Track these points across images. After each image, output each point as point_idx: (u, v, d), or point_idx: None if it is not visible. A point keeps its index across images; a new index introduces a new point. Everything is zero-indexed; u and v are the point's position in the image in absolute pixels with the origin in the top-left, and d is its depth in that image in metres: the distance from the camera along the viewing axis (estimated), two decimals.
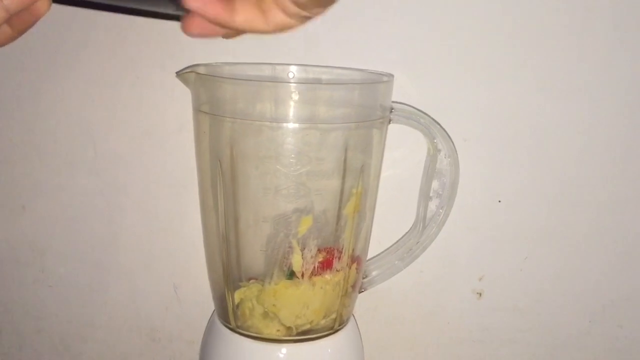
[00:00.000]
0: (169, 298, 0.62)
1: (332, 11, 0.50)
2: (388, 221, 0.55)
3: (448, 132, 0.51)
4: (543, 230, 0.57)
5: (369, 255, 0.53)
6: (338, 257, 0.46)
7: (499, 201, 0.57)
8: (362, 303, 0.59)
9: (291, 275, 0.45)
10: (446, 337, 0.61)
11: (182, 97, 0.51)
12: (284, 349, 0.46)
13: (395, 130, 0.51)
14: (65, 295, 0.62)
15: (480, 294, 0.59)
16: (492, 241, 0.58)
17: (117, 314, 0.63)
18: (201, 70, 0.46)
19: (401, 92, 0.52)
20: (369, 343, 0.59)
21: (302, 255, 0.45)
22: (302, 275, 0.45)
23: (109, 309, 0.63)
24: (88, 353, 0.64)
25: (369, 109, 0.46)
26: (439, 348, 0.61)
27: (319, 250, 0.45)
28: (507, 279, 0.59)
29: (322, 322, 0.47)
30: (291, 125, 0.43)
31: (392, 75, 0.48)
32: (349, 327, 0.50)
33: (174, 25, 0.53)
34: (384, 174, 0.53)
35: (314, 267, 0.45)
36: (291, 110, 0.43)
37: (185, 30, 0.34)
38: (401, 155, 0.55)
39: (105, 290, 0.62)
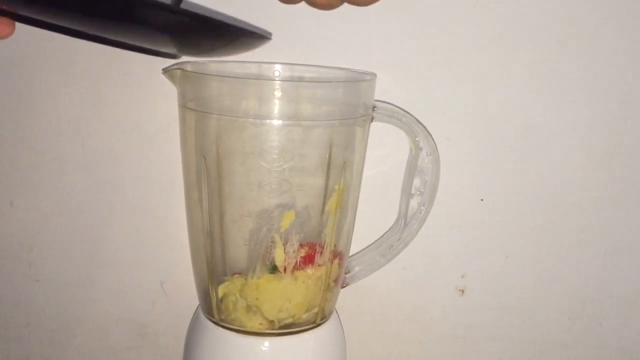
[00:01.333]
0: (156, 294, 0.62)
1: (319, 13, 0.52)
2: (372, 218, 0.56)
3: (432, 131, 0.52)
4: (525, 228, 0.58)
5: (352, 252, 0.54)
6: (320, 252, 0.47)
7: (482, 200, 0.58)
8: (345, 299, 0.59)
9: (274, 269, 0.46)
10: (429, 333, 0.62)
11: (171, 94, 0.52)
12: (266, 343, 0.47)
13: (379, 129, 0.52)
14: (53, 290, 0.63)
15: (463, 291, 0.60)
16: (475, 239, 0.59)
17: (105, 309, 0.63)
18: (188, 67, 0.47)
19: (385, 91, 0.53)
20: (352, 339, 0.60)
21: (285, 249, 0.46)
22: (285, 270, 0.46)
23: (96, 304, 0.63)
24: (75, 347, 0.65)
25: (352, 107, 0.47)
26: (423, 345, 0.62)
27: (301, 245, 0.46)
28: (489, 276, 0.60)
29: (305, 316, 0.48)
30: (275, 122, 0.44)
31: (374, 74, 0.49)
32: (331, 321, 0.51)
33: None
34: (368, 171, 0.53)
35: (296, 261, 0.46)
36: (275, 107, 0.44)
37: None
38: (385, 154, 0.55)
39: (93, 286, 0.63)
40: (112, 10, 0.35)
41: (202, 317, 0.50)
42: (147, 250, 0.61)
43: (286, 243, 0.46)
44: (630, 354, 0.61)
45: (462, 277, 0.60)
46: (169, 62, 0.51)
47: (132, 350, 0.64)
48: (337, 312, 0.53)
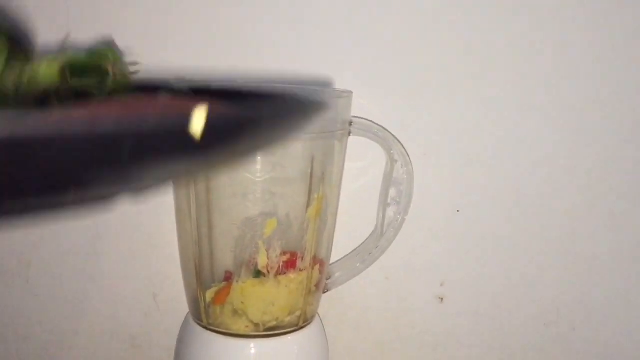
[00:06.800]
0: (148, 306, 0.65)
1: (299, 36, 0.55)
2: (353, 228, 0.59)
3: (409, 147, 0.55)
4: (500, 238, 0.61)
5: (334, 259, 0.57)
6: (301, 257, 0.50)
7: (458, 211, 0.61)
8: (329, 308, 0.62)
9: (258, 274, 0.49)
10: (411, 341, 0.64)
11: None
12: (252, 345, 0.50)
13: (360, 143, 0.55)
14: (50, 304, 0.65)
15: (442, 299, 0.63)
16: (453, 249, 0.62)
17: (99, 321, 0.65)
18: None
19: (364, 109, 0.57)
20: (336, 348, 0.62)
21: (268, 255, 0.49)
22: (268, 272, 0.49)
23: (91, 317, 0.65)
24: None
25: (330, 122, 0.50)
26: (404, 352, 0.64)
27: (284, 252, 0.49)
28: (467, 284, 0.62)
29: (288, 319, 0.51)
30: None
31: (351, 92, 0.53)
32: (314, 324, 0.53)
33: (145, 38, 0.57)
34: (350, 184, 0.57)
35: (279, 266, 0.49)
36: None
37: None
38: (365, 166, 0.59)
39: (88, 299, 0.65)
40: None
41: (191, 322, 0.52)
42: (140, 264, 0.64)
43: (269, 248, 0.49)
44: (603, 358, 0.63)
45: (441, 285, 0.63)
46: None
47: None
48: (319, 316, 0.56)
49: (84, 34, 0.57)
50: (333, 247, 0.56)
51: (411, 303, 0.63)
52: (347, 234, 0.59)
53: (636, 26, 0.56)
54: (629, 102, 0.58)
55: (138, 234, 0.63)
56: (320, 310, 0.58)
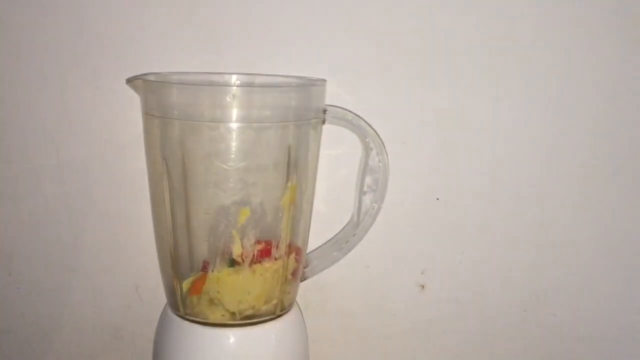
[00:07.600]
0: (131, 297, 0.65)
1: (274, 29, 0.55)
2: (332, 218, 0.59)
3: (387, 136, 0.55)
4: (479, 225, 0.61)
5: (312, 247, 0.57)
6: (276, 245, 0.50)
7: (437, 199, 0.61)
8: (311, 297, 0.62)
9: (232, 263, 0.49)
10: (392, 328, 0.64)
11: (140, 106, 0.55)
12: (229, 333, 0.50)
13: (338, 131, 0.55)
14: (32, 297, 0.65)
15: (423, 287, 0.63)
16: (433, 237, 0.62)
17: (82, 314, 0.66)
18: (151, 78, 0.50)
19: (341, 99, 0.56)
20: (318, 336, 0.62)
21: (242, 244, 0.49)
22: (242, 261, 0.49)
23: (73, 310, 0.66)
24: (54, 352, 0.67)
25: (304, 110, 0.50)
26: (386, 339, 0.65)
27: (258, 241, 0.49)
28: (447, 272, 0.63)
29: (264, 307, 0.51)
30: (231, 125, 0.47)
31: (324, 80, 0.53)
32: (292, 313, 0.53)
33: (132, 37, 0.57)
34: (330, 172, 0.57)
35: (254, 254, 0.49)
36: (231, 111, 0.47)
37: None
38: (342, 154, 0.59)
39: (70, 292, 0.65)
40: None
41: (169, 312, 0.52)
42: (121, 256, 0.64)
43: (243, 237, 0.49)
44: (583, 342, 0.63)
45: (422, 273, 0.63)
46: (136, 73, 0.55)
47: (109, 353, 0.67)
48: (298, 305, 0.56)
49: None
50: (311, 236, 0.56)
51: (392, 291, 0.63)
52: (325, 222, 0.59)
53: (613, 18, 0.56)
54: (607, 91, 0.58)
55: (119, 225, 0.63)
56: (301, 299, 0.58)
